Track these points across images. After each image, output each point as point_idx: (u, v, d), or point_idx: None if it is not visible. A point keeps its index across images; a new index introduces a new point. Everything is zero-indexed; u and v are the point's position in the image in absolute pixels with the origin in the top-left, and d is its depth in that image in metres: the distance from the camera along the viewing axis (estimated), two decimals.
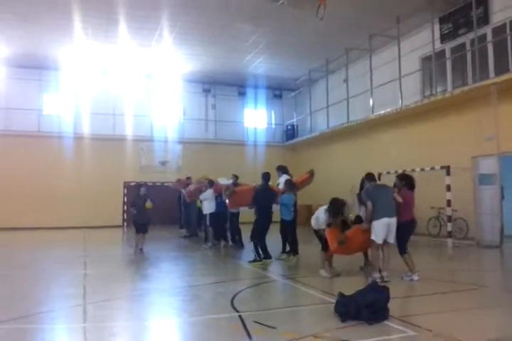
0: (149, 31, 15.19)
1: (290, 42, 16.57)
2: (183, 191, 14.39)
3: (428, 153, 13.75)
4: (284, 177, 9.50)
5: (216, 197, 11.46)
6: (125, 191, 20.15)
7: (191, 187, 13.55)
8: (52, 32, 15.31)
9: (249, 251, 10.66)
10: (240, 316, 4.81)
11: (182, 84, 21.29)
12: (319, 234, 7.30)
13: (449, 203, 11.49)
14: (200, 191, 12.04)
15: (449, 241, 11.32)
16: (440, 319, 4.71)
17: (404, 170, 12.53)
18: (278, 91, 22.93)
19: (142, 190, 10.42)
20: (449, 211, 11.59)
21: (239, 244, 11.39)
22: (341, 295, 4.83)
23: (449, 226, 11.58)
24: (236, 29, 15.34)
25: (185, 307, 5.49)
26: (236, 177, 11.95)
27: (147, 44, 16.42)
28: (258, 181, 9.60)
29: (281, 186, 9.32)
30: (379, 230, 6.69)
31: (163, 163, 20.06)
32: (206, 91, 21.99)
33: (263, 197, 8.89)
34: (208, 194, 11.56)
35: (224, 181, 12.36)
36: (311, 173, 9.48)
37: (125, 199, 20.08)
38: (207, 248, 11.33)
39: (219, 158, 20.77)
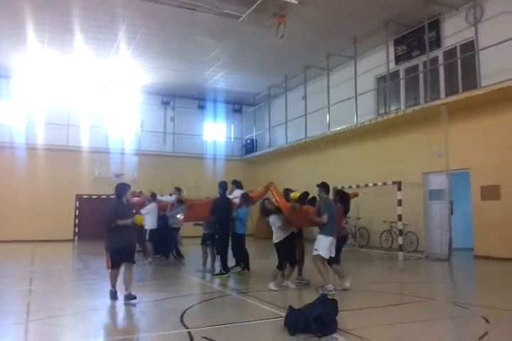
0: (107, 42, 14.99)
1: (251, 58, 16.79)
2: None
3: (382, 169, 14.14)
4: (238, 191, 9.48)
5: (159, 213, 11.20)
6: (77, 204, 19.54)
7: (134, 200, 13.29)
8: (5, 39, 14.83)
9: (193, 264, 10.59)
10: (189, 333, 4.71)
11: (140, 95, 21.07)
12: (278, 248, 7.32)
13: (400, 218, 11.82)
14: (142, 205, 11.52)
15: (400, 254, 11.59)
16: (387, 331, 4.78)
17: (357, 186, 12.87)
18: (238, 105, 23.08)
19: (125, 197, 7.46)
20: (399, 225, 11.92)
21: (179, 258, 11.23)
22: (291, 308, 4.82)
23: (400, 240, 11.89)
24: (197, 43, 15.38)
25: (133, 325, 5.32)
26: (179, 190, 11.80)
27: (105, 55, 16.17)
28: (213, 195, 9.56)
29: (236, 200, 9.29)
30: (325, 246, 6.79)
31: (118, 176, 19.66)
32: (165, 103, 21.83)
33: (223, 207, 8.77)
34: (151, 208, 11.16)
35: (167, 198, 12.20)
36: (267, 187, 9.48)
37: (77, 213, 19.49)
38: (146, 263, 10.86)
39: (177, 171, 20.52)
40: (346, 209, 7.36)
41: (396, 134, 14.08)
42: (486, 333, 4.48)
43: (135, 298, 6.25)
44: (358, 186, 12.72)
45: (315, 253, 6.88)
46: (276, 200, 7.52)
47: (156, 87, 20.47)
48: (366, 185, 12.64)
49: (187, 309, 5.78)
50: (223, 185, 9.15)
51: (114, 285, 6.52)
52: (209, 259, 9.66)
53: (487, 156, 11.32)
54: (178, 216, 9.60)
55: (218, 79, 19.27)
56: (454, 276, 9.91)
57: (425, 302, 6.28)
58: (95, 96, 20.17)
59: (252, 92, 21.11)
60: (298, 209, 7.10)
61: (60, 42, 15.00)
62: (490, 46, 10.98)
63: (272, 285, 7.09)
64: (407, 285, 8.07)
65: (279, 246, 7.31)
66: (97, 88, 19.99)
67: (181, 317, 5.33)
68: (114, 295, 6.43)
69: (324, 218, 6.82)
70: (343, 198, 7.30)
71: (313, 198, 7.70)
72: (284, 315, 5.32)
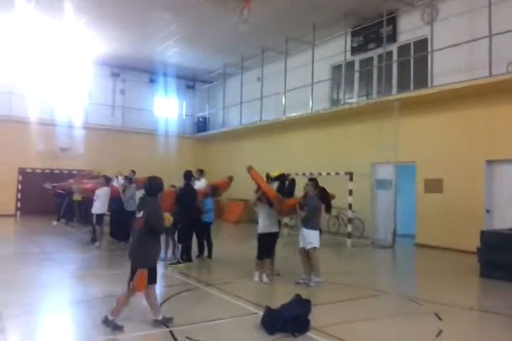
0: (59, 10, 14.13)
1: (208, 36, 16.52)
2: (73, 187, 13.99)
3: (332, 157, 14.73)
4: (202, 181, 9.63)
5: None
6: (20, 178, 18.74)
7: (87, 183, 13.10)
8: None
9: None
10: (171, 332, 4.91)
11: (89, 66, 20.16)
12: (263, 240, 7.64)
13: (350, 206, 12.48)
14: (93, 190, 11.43)
15: (349, 241, 12.35)
16: (355, 328, 5.26)
17: (311, 173, 13.33)
18: (191, 82, 22.73)
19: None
20: (349, 213, 12.60)
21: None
22: (268, 309, 5.17)
23: (349, 228, 12.61)
24: (154, 17, 14.92)
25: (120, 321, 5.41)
26: (131, 173, 11.78)
27: (55, 22, 15.28)
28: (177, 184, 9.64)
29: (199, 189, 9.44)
30: (317, 238, 7.42)
31: (65, 150, 19.08)
32: (115, 75, 21.10)
33: (187, 197, 8.88)
34: (104, 192, 11.06)
35: (119, 182, 12.12)
36: (230, 179, 9.70)
37: (19, 187, 18.72)
38: (94, 248, 10.86)
39: (127, 147, 20.22)
40: (327, 207, 7.74)
41: (348, 124, 14.62)
42: (441, 331, 5.09)
43: (172, 318, 5.23)
44: (311, 174, 13.20)
45: (310, 246, 7.36)
46: (259, 186, 7.70)
47: (106, 58, 19.68)
48: (319, 174, 13.16)
49: (160, 304, 5.90)
50: (188, 175, 9.23)
51: (119, 313, 5.01)
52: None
53: (433, 151, 12.14)
54: None
55: (172, 54, 18.86)
56: (402, 266, 10.68)
57: (381, 297, 6.88)
58: (42, 64, 19.04)
59: (206, 69, 20.85)
60: (281, 200, 7.46)
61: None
62: (443, 48, 11.63)
63: (264, 278, 7.48)
64: (360, 276, 8.64)
65: (264, 237, 7.62)
66: (44, 55, 18.86)
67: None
68: (117, 327, 4.91)
69: (303, 213, 7.32)
70: (324, 196, 7.69)
71: (293, 180, 8.30)
72: (255, 310, 5.74)
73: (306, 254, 7.51)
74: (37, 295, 6.63)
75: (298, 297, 5.37)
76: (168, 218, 5.29)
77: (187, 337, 4.75)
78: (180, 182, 9.47)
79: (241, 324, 5.38)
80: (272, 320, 4.98)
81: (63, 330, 5.30)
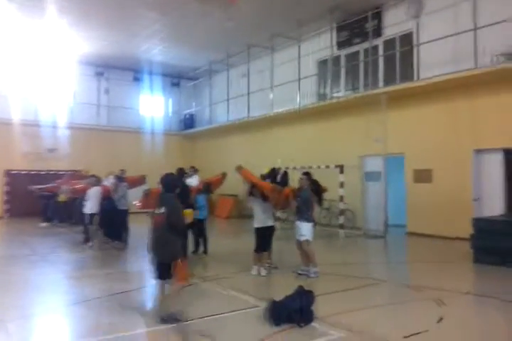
0: (42, 10, 13.94)
1: (193, 33, 16.43)
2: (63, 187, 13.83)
3: (321, 151, 14.86)
4: (195, 178, 9.65)
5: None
6: (7, 180, 18.47)
7: (77, 184, 12.94)
8: None
9: (142, 250, 10.63)
10: (178, 326, 4.94)
11: (73, 66, 19.92)
12: (261, 233, 7.73)
13: (341, 198, 12.62)
14: (85, 190, 11.28)
15: (341, 232, 12.52)
16: (357, 317, 5.35)
17: (302, 167, 13.42)
18: (176, 79, 22.58)
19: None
20: (341, 205, 12.74)
21: (124, 243, 11.15)
22: (272, 301, 5.23)
23: (341, 219, 12.76)
24: (138, 15, 14.79)
25: (118, 321, 5.37)
26: (121, 172, 11.75)
27: (38, 22, 15.06)
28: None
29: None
30: (309, 230, 7.55)
31: (52, 150, 18.86)
32: (99, 74, 20.87)
33: (180, 194, 8.86)
34: (95, 192, 10.97)
35: (109, 180, 12.04)
36: (224, 176, 9.73)
37: (5, 189, 18.46)
38: (87, 248, 10.77)
39: (113, 146, 20.07)
40: (319, 200, 7.86)
41: (336, 118, 14.74)
42: (441, 318, 5.21)
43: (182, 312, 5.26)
44: (302, 167, 13.28)
45: (303, 238, 7.50)
46: (253, 183, 7.75)
47: (90, 57, 19.43)
48: (310, 167, 13.25)
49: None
50: (181, 172, 9.25)
51: (173, 306, 5.23)
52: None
53: (421, 142, 12.33)
54: (134, 203, 9.56)
55: (157, 52, 18.73)
56: (396, 255, 10.85)
57: (379, 285, 7.02)
58: (25, 65, 18.77)
59: (191, 66, 20.77)
60: (280, 190, 7.56)
61: None
62: (428, 42, 11.80)
63: (262, 271, 7.59)
64: (356, 266, 8.79)
65: (260, 231, 7.72)
66: (27, 56, 18.59)
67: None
68: (177, 319, 5.09)
69: (295, 203, 7.51)
70: (317, 189, 7.80)
71: (285, 173, 8.65)
72: (256, 303, 5.81)
73: (300, 246, 7.64)
74: (32, 297, 6.57)
75: (301, 288, 5.43)
76: (188, 213, 5.51)
77: (194, 332, 4.79)
78: None
79: (245, 317, 5.43)
80: (277, 312, 5.04)
81: (63, 331, 5.29)
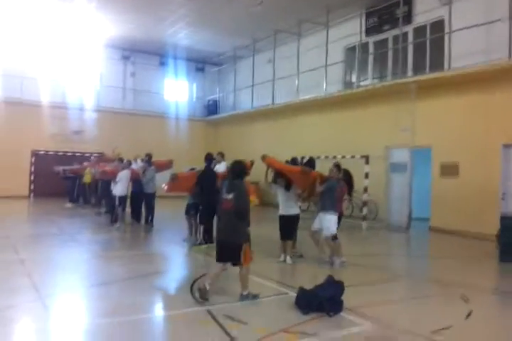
0: None
1: (219, 17, 16.39)
2: (92, 170, 14.09)
3: (346, 140, 14.72)
4: (223, 164, 9.71)
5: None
6: (33, 160, 18.90)
7: (106, 166, 13.14)
8: None
9: (168, 233, 11.02)
10: (208, 310, 5.07)
11: (100, 49, 20.07)
12: (289, 222, 7.78)
13: (365, 189, 12.56)
14: (115, 173, 11.47)
15: (364, 224, 12.47)
16: (384, 310, 5.39)
17: (326, 157, 13.38)
18: (201, 64, 22.60)
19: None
20: (365, 197, 12.68)
21: (150, 224, 11.45)
22: (302, 289, 5.30)
23: (364, 211, 12.71)
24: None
25: (152, 301, 5.58)
26: (149, 156, 11.84)
27: (66, 5, 15.18)
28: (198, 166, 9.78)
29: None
30: (335, 223, 7.49)
31: (78, 133, 19.17)
32: (125, 58, 21.02)
33: (209, 179, 9.01)
34: (125, 175, 11.12)
35: (138, 164, 12.20)
36: (252, 163, 9.76)
37: (32, 169, 18.90)
38: (114, 229, 11.04)
39: (138, 130, 20.28)
40: (350, 187, 7.91)
41: (363, 107, 14.55)
42: (471, 312, 5.21)
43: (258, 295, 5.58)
44: (326, 157, 13.24)
45: (327, 232, 7.48)
46: (279, 170, 7.78)
47: (117, 41, 19.59)
48: (334, 157, 13.20)
49: (192, 284, 6.07)
50: (209, 158, 9.34)
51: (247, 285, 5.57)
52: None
53: (449, 135, 12.11)
54: (163, 186, 9.72)
55: (183, 36, 18.77)
56: (420, 249, 10.81)
57: (404, 279, 7.07)
58: (54, 47, 18.98)
59: (216, 52, 20.72)
60: (309, 171, 7.59)
61: None
62: (460, 29, 11.48)
63: (288, 259, 7.66)
64: (380, 259, 8.77)
65: (283, 219, 7.78)
66: (56, 39, 18.79)
67: (192, 293, 5.64)
68: (255, 295, 5.52)
69: (320, 188, 7.48)
70: (349, 178, 7.84)
71: (310, 159, 8.74)
72: (284, 290, 5.90)
73: (317, 238, 7.70)
74: (68, 275, 6.80)
75: (331, 278, 5.49)
76: (253, 201, 5.73)
77: (225, 315, 4.89)
78: (196, 165, 9.69)
79: (275, 303, 5.54)
80: (306, 300, 5.11)
81: (104, 306, 5.45)
